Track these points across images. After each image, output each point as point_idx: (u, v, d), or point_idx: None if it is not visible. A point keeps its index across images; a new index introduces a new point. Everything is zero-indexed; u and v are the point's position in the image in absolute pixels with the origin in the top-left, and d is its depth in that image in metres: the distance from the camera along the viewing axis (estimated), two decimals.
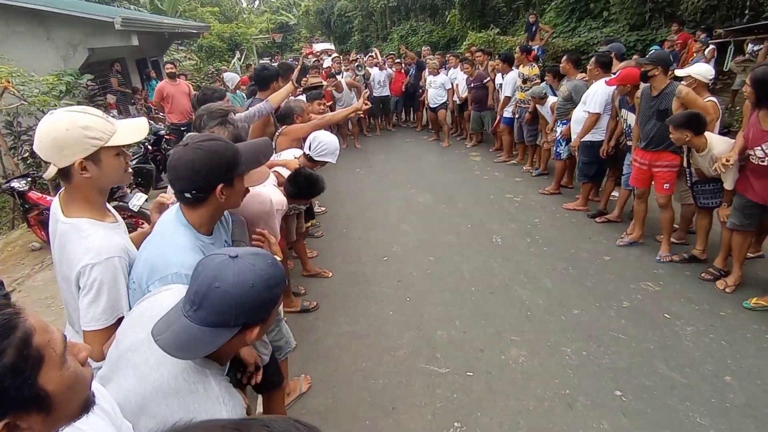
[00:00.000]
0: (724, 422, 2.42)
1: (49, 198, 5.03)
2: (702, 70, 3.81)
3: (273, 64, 5.58)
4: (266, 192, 2.31)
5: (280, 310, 3.60)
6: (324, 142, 3.21)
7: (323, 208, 5.88)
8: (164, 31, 11.22)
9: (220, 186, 1.46)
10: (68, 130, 1.38)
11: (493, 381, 2.79)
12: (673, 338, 3.07)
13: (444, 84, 8.26)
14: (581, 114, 4.92)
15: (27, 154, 6.15)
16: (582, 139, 4.93)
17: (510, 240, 4.64)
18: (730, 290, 3.50)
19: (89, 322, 1.44)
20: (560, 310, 3.45)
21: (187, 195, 1.45)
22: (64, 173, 1.45)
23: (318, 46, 21.42)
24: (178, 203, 1.56)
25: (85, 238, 1.46)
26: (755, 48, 7.00)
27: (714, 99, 3.80)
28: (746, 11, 8.43)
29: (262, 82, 4.02)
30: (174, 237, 1.49)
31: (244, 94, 7.49)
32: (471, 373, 2.87)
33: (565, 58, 5.50)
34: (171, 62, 8.59)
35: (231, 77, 7.38)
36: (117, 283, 1.46)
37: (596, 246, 4.40)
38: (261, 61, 15.93)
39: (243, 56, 21.18)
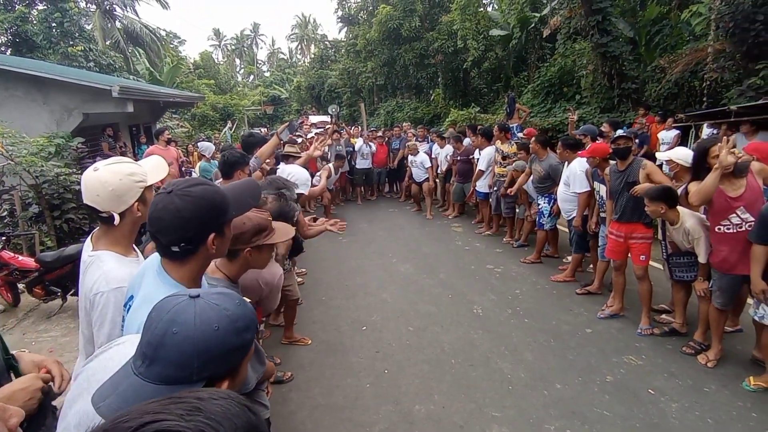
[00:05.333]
0: None
1: (21, 258, 4.89)
2: (682, 154, 4.00)
3: (261, 133, 5.79)
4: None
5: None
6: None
7: (303, 270, 5.80)
8: (160, 100, 11.63)
9: (212, 236, 1.28)
10: (121, 180, 1.53)
11: None
12: (659, 416, 2.98)
13: (423, 162, 8.66)
14: (564, 194, 5.13)
15: (5, 213, 6.07)
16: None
17: (491, 311, 4.60)
18: (712, 365, 3.47)
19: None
20: (542, 384, 3.35)
21: (175, 249, 1.26)
22: (109, 218, 1.55)
23: (314, 118, 22.02)
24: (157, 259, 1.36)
25: (100, 268, 1.54)
26: (714, 131, 7.48)
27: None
28: (704, 98, 9.14)
29: (249, 147, 4.16)
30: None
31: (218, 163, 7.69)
32: None
33: (533, 140, 5.88)
34: (166, 128, 8.85)
35: (206, 146, 7.57)
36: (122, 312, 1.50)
37: (577, 318, 4.38)
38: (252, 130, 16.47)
39: (234, 126, 21.87)
